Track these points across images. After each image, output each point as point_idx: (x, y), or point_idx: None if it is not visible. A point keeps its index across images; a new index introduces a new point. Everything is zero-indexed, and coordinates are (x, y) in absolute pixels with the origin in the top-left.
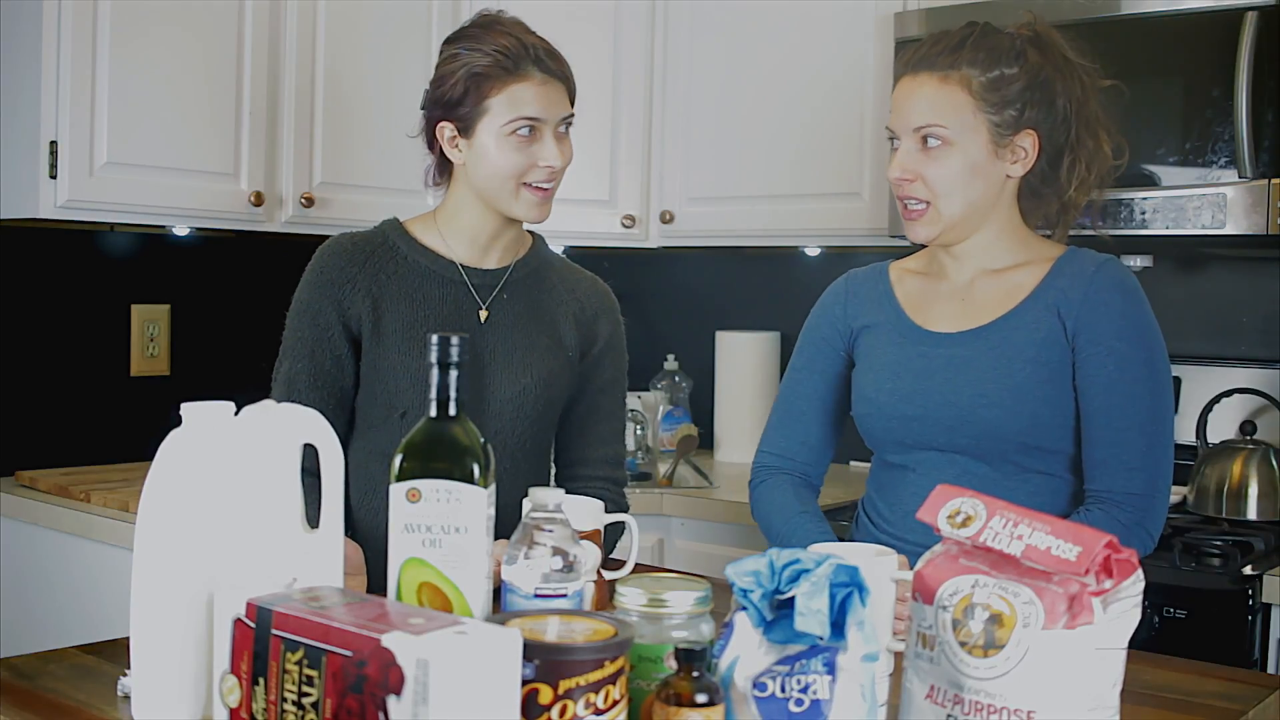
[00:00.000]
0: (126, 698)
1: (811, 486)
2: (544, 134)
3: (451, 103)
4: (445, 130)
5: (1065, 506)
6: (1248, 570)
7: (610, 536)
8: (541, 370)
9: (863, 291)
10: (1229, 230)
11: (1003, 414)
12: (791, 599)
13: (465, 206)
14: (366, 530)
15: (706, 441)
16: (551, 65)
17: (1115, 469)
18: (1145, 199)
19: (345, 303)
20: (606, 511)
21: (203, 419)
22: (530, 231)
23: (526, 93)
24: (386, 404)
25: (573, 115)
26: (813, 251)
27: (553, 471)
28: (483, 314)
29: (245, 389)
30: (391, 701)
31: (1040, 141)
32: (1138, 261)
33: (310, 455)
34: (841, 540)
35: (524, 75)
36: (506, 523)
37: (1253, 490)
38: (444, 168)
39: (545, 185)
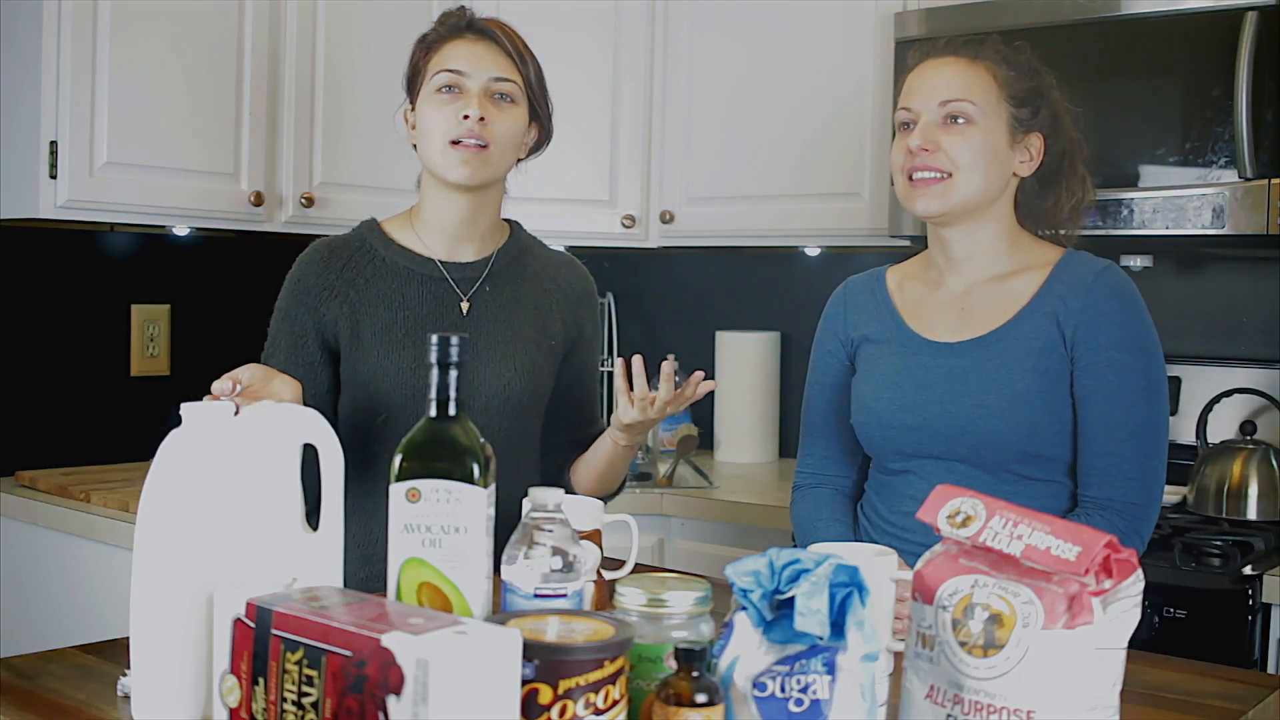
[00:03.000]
0: (126, 698)
1: (842, 494)
2: (466, 88)
3: (406, 84)
4: (407, 114)
5: (1064, 511)
6: (1248, 570)
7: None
8: (526, 362)
9: (860, 301)
10: (1229, 230)
11: (1002, 424)
12: (791, 599)
13: (429, 196)
14: (356, 535)
15: (706, 441)
16: (489, 29)
17: (1114, 478)
18: (1145, 199)
19: (322, 310)
20: None
21: (203, 419)
22: (507, 220)
23: (454, 50)
24: (367, 409)
25: (510, 81)
26: (813, 251)
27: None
28: (464, 306)
29: None
30: (391, 701)
31: (1044, 149)
32: (1138, 261)
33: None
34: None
35: (458, 37)
36: (500, 518)
37: (1253, 490)
38: None
39: (468, 141)
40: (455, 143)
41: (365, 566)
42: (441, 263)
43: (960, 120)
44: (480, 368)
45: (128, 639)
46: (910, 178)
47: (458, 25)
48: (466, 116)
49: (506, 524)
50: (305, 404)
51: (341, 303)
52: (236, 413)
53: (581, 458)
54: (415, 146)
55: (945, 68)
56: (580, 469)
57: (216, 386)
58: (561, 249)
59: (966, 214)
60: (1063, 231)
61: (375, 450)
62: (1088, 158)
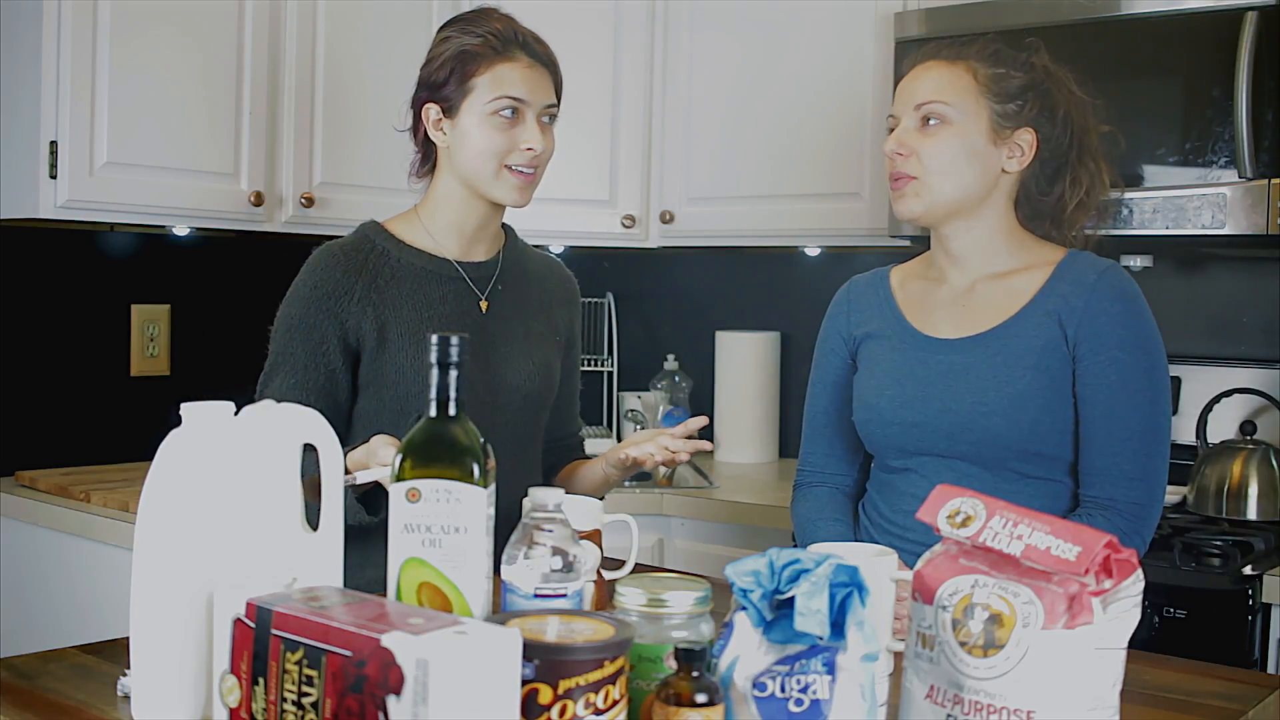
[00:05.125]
0: (126, 698)
1: (843, 493)
2: (526, 117)
3: (437, 83)
4: (431, 112)
5: (1064, 510)
6: (1248, 570)
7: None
8: (541, 356)
9: (863, 299)
10: (1229, 230)
11: (1003, 422)
12: (791, 599)
13: (449, 198)
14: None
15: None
16: (539, 51)
17: (1116, 477)
18: (1145, 199)
19: (344, 315)
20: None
21: (203, 419)
22: (502, 223)
23: (512, 73)
24: (397, 409)
25: (557, 107)
26: (813, 251)
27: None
28: (483, 305)
29: (245, 389)
30: (391, 701)
31: (1038, 143)
32: (1138, 261)
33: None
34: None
35: (511, 57)
36: (503, 515)
37: (1253, 490)
38: (428, 159)
39: (527, 169)
40: (507, 167)
41: None
42: (457, 262)
43: (934, 121)
44: (501, 364)
45: (128, 639)
46: (894, 180)
47: (509, 42)
48: (530, 148)
49: (510, 522)
50: (327, 412)
51: (365, 305)
52: (237, 413)
53: (570, 480)
54: (433, 145)
55: (926, 72)
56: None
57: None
58: (558, 249)
59: (951, 214)
60: (1077, 232)
61: None
62: (1100, 149)
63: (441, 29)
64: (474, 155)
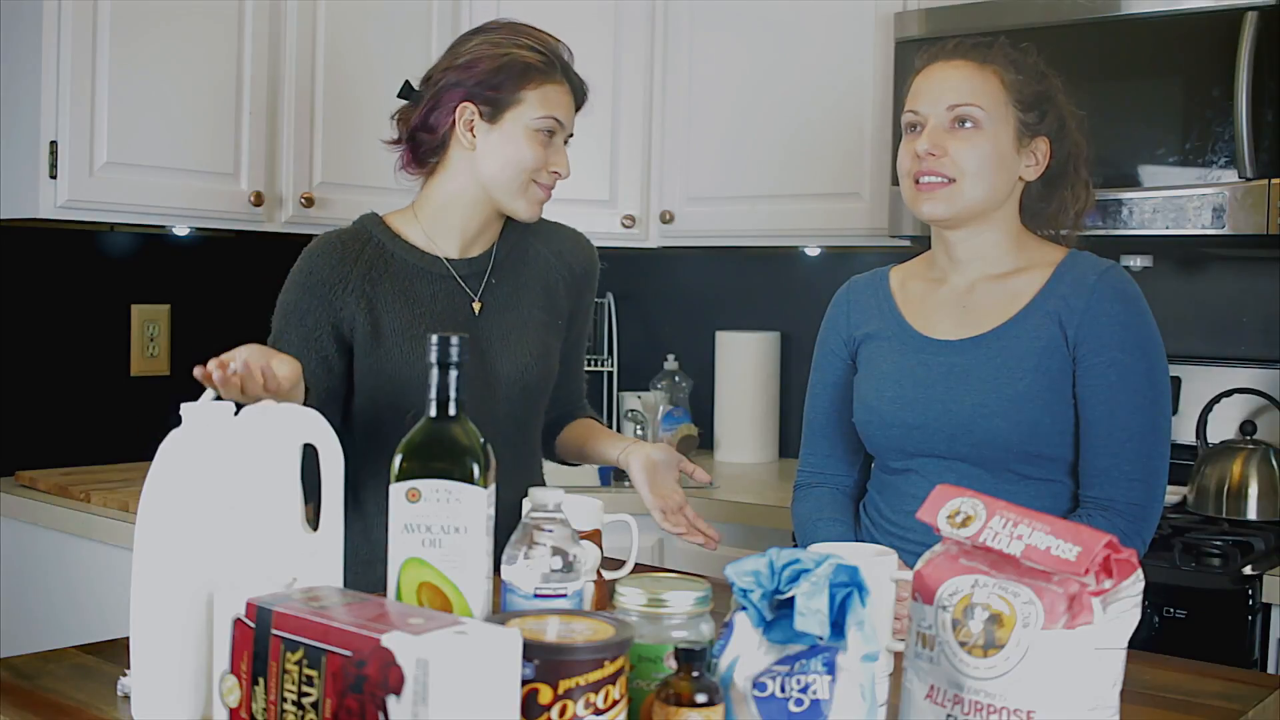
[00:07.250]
0: (126, 698)
1: (844, 493)
2: (557, 140)
3: (486, 85)
4: (466, 110)
5: (1064, 511)
6: (1248, 570)
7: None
8: (538, 345)
9: (863, 299)
10: (1229, 230)
11: (1003, 423)
12: (791, 599)
13: (459, 199)
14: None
15: (706, 441)
16: (576, 82)
17: (1116, 478)
18: (1145, 199)
19: (337, 304)
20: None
21: (203, 419)
22: None
23: (558, 96)
24: (392, 406)
25: (573, 134)
26: (813, 251)
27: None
28: (476, 306)
29: None
30: (391, 701)
31: (1050, 154)
32: (1138, 261)
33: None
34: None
35: (559, 80)
36: (507, 506)
37: (1253, 490)
38: (423, 159)
39: (549, 189)
40: (535, 181)
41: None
42: (449, 260)
43: (968, 124)
44: (498, 358)
45: (128, 639)
46: (917, 181)
47: (555, 65)
48: (557, 172)
49: (513, 511)
50: (316, 397)
51: (359, 297)
52: (237, 413)
53: (584, 443)
54: (472, 150)
55: (954, 71)
56: (572, 446)
57: (199, 373)
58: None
59: (972, 218)
60: (1064, 232)
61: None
62: (1090, 161)
63: (484, 31)
64: (506, 165)
